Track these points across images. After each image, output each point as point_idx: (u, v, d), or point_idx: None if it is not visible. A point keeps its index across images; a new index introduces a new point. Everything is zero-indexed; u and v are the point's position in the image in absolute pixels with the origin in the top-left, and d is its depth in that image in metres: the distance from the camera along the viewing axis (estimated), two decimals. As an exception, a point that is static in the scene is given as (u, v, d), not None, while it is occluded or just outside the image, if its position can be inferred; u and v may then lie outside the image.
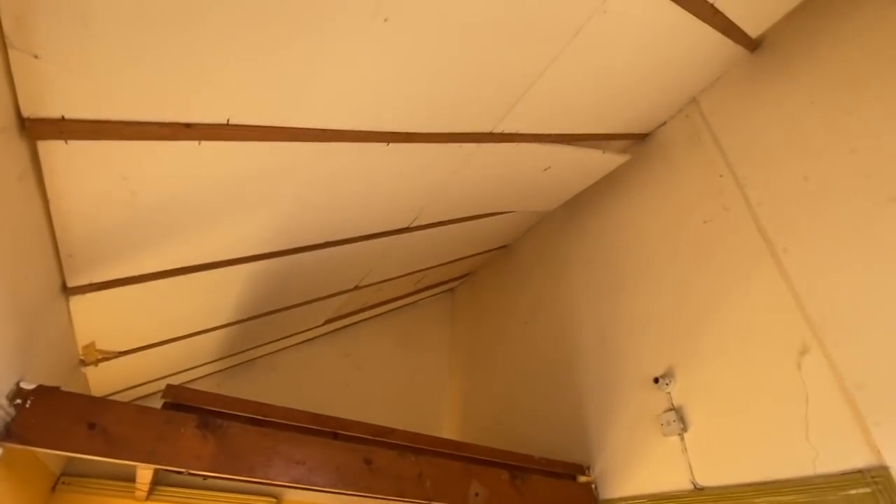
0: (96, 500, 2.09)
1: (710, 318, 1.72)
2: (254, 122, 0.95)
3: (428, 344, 3.62)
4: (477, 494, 1.66)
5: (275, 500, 2.44)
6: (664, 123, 2.24)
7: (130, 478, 2.05)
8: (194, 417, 1.29)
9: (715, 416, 1.60)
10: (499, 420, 2.77)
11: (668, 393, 1.79)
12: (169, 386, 1.29)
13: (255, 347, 2.59)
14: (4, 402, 1.05)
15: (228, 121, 0.92)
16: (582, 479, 1.97)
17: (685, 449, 1.66)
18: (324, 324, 2.89)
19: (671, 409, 1.74)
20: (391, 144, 1.26)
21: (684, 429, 1.68)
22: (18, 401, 1.10)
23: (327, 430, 1.51)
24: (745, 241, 1.68)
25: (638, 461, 1.82)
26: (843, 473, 1.22)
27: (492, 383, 2.98)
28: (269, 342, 2.64)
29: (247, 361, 2.77)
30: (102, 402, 1.19)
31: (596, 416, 2.09)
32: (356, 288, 2.51)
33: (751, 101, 1.85)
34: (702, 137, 2.02)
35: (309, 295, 2.25)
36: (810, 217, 1.51)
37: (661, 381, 1.80)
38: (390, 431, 1.62)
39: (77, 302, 1.24)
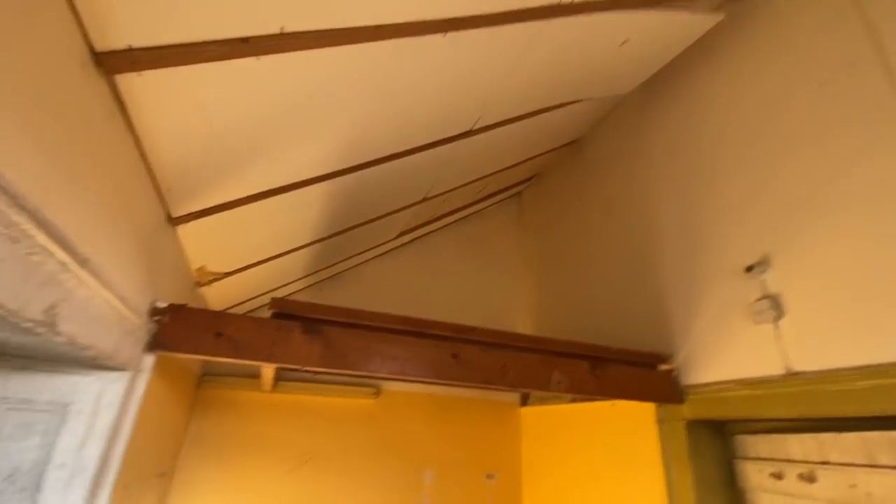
0: (231, 393, 2.52)
1: (822, 197, 1.53)
2: (307, 28, 0.90)
3: (497, 249, 3.66)
4: (559, 382, 1.76)
5: (375, 390, 2.79)
6: (772, -36, 1.82)
7: (256, 374, 2.43)
8: (299, 324, 1.45)
9: (818, 302, 1.49)
10: (573, 318, 2.82)
11: (763, 281, 1.69)
12: (274, 298, 1.44)
13: (338, 262, 2.78)
14: (147, 318, 1.23)
15: (282, 29, 0.88)
16: (663, 367, 2.00)
17: (779, 336, 1.60)
18: (397, 237, 2.99)
19: (765, 297, 1.65)
20: (448, 34, 1.15)
21: (779, 316, 1.61)
22: (157, 317, 1.29)
23: (415, 329, 1.63)
24: (876, 101, 1.41)
25: (724, 349, 1.80)
26: (974, 355, 1.11)
27: (564, 283, 3.00)
28: (350, 257, 2.81)
29: (334, 275, 3.00)
30: (223, 315, 1.36)
31: (678, 308, 2.05)
32: (424, 200, 2.53)
33: None
34: (823, -25, 1.63)
35: (380, 210, 2.30)
36: (973, 60, 1.21)
37: (754, 269, 1.70)
38: (473, 329, 1.71)
39: (183, 230, 1.38)
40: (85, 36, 0.72)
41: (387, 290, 3.16)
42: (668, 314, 2.11)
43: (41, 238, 0.62)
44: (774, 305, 1.62)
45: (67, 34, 0.69)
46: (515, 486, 2.90)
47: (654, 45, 1.84)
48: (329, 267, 2.76)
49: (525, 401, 3.08)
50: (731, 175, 1.89)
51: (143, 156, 1.06)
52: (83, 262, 0.77)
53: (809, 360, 1.50)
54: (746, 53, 1.90)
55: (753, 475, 1.76)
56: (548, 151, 3.03)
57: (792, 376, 1.53)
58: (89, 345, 0.86)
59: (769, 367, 1.61)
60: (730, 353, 1.78)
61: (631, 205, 2.49)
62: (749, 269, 1.72)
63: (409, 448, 2.75)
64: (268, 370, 1.66)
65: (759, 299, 1.68)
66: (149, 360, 1.29)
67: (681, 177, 2.16)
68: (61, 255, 0.69)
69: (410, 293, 3.22)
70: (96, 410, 1.08)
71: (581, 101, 2.25)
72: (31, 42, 0.60)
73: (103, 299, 0.89)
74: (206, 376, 2.49)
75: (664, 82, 2.31)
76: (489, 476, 2.87)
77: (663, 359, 2.01)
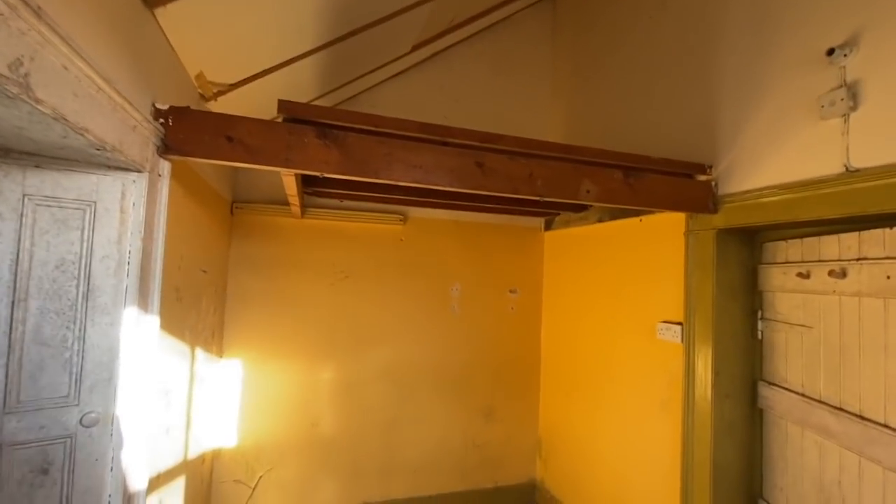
0: (264, 218, 2.61)
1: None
2: None
3: (526, 66, 3.27)
4: (588, 191, 1.69)
5: (401, 216, 2.84)
6: None
7: (284, 202, 2.47)
8: (312, 129, 1.36)
9: (906, 86, 1.27)
10: (609, 132, 2.62)
11: (843, 67, 1.46)
12: (280, 100, 1.32)
13: (352, 81, 2.55)
14: (151, 119, 1.16)
15: None
16: (701, 177, 1.89)
17: (846, 130, 1.43)
18: (412, 50, 2.67)
19: (841, 87, 1.44)
20: None
21: (853, 107, 1.42)
22: (161, 120, 1.21)
23: (436, 138, 1.52)
24: None
25: (774, 152, 1.66)
26: None
27: (601, 96, 2.72)
28: (364, 74, 2.56)
29: (349, 98, 2.80)
30: (232, 118, 1.28)
31: (728, 113, 1.85)
32: (440, -7, 2.14)
33: None
34: None
35: (389, 6, 1.98)
36: None
37: (837, 52, 1.44)
38: (499, 137, 1.58)
39: (164, 17, 1.20)
40: None
41: (404, 113, 2.95)
42: (716, 121, 1.91)
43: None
44: (850, 95, 1.42)
45: None
46: (536, 299, 3.13)
47: None
48: (343, 86, 2.55)
49: (549, 226, 3.11)
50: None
51: None
52: (37, 11, 0.65)
53: (874, 155, 1.37)
54: None
55: (776, 278, 1.78)
56: (594, -75, 2.42)
57: (849, 174, 1.41)
58: (84, 126, 0.80)
59: (824, 166, 1.49)
60: (779, 156, 1.64)
61: (692, -10, 2.06)
62: (830, 51, 1.46)
63: (437, 267, 2.92)
64: (289, 180, 1.64)
65: (833, 89, 1.46)
66: (165, 165, 1.26)
67: (765, -61, 1.71)
68: (-1, -11, 0.56)
69: (430, 116, 3.01)
70: (123, 208, 1.09)
71: None
72: None
73: (84, 74, 0.79)
74: (238, 202, 2.56)
75: None
76: (512, 291, 3.08)
77: (702, 169, 1.88)
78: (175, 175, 1.37)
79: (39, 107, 0.68)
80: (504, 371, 3.03)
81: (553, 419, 2.95)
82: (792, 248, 1.74)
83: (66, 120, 0.75)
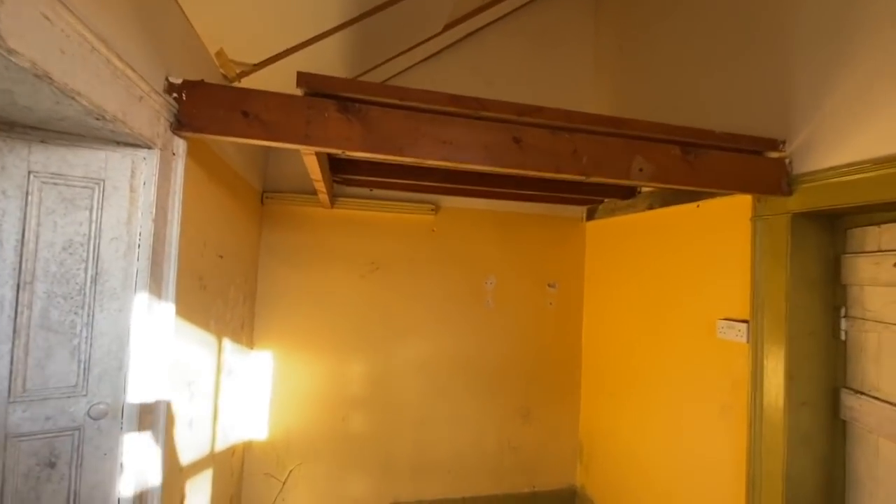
0: (293, 208, 2.56)
1: None
2: None
3: (566, 41, 3.06)
4: (641, 169, 1.50)
5: (433, 206, 2.72)
6: None
7: (314, 191, 2.40)
8: (334, 102, 1.26)
9: None
10: (661, 107, 2.38)
11: None
12: (300, 72, 1.22)
13: (380, 65, 2.45)
14: (162, 92, 1.08)
15: None
16: (773, 154, 1.65)
17: (966, 89, 1.17)
18: (444, 31, 2.53)
19: (959, 35, 1.18)
20: None
21: None
22: (175, 94, 1.14)
23: (468, 111, 1.38)
24: None
25: (865, 121, 1.41)
26: None
27: (651, 67, 2.48)
28: (392, 57, 2.45)
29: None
30: (248, 92, 1.19)
31: (807, 75, 1.60)
32: (475, -35, 2.00)
33: None
34: None
35: (420, -20, 1.85)
36: None
37: (954, -7, 1.18)
38: (538, 110, 1.42)
39: (175, -18, 1.12)
40: None
41: (438, 98, 2.83)
42: (789, 89, 1.66)
43: None
44: (972, 46, 1.16)
45: None
46: (577, 293, 2.93)
47: None
48: (371, 70, 2.44)
49: (592, 215, 2.90)
50: None
51: None
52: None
53: None
54: None
55: (866, 269, 1.53)
56: None
57: (971, 141, 1.15)
58: (75, 89, 0.72)
59: (935, 134, 1.23)
60: (872, 125, 1.39)
61: (761, -60, 1.81)
62: (945, -6, 1.20)
63: (471, 259, 2.78)
64: (311, 161, 1.55)
65: (948, 39, 1.20)
66: (181, 143, 1.19)
67: None
68: None
69: (465, 100, 2.87)
70: (133, 187, 1.03)
71: None
72: None
73: (73, 29, 0.71)
74: (268, 192, 2.52)
75: None
76: (550, 285, 2.90)
77: (774, 144, 1.64)
78: (194, 156, 1.30)
79: (13, 58, 0.60)
80: (542, 369, 2.86)
81: (595, 422, 2.75)
82: (887, 234, 1.48)
83: (50, 79, 0.67)
